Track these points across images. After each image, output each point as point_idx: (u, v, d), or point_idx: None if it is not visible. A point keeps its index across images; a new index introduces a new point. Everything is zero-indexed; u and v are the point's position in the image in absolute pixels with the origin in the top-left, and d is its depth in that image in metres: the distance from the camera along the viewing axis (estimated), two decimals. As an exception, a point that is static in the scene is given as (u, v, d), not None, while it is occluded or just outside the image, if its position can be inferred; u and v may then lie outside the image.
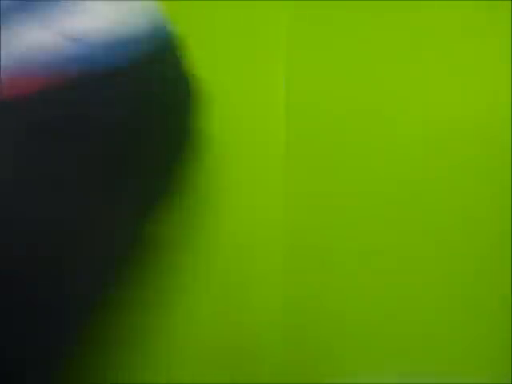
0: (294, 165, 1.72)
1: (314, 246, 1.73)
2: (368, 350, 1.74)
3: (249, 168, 1.72)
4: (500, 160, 1.73)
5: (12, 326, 1.10)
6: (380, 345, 1.74)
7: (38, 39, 1.09)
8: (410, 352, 1.75)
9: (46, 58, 1.09)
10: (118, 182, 1.18)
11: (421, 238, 1.73)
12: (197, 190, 1.70)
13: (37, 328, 1.13)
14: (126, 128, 1.17)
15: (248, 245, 1.72)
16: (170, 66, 1.33)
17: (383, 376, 1.74)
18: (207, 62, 1.67)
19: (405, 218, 1.73)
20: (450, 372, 1.75)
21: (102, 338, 1.68)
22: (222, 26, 1.69)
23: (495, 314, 1.75)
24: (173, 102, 1.31)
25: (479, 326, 1.75)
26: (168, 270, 1.70)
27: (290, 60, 1.71)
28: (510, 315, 1.74)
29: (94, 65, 1.12)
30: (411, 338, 1.74)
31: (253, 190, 1.72)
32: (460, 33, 1.71)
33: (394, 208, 1.73)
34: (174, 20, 1.67)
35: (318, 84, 1.71)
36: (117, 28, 1.17)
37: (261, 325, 1.73)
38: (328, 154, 1.72)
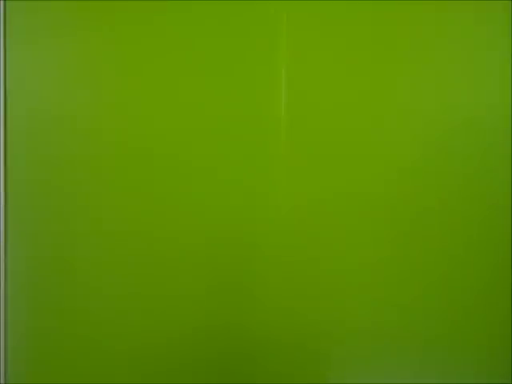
0: (294, 165, 1.72)
1: (312, 250, 1.73)
2: (368, 351, 1.74)
3: (249, 168, 1.72)
4: (500, 160, 1.73)
5: None
6: (381, 345, 1.74)
7: None
8: (411, 352, 1.75)
9: None
10: None
11: (418, 236, 1.74)
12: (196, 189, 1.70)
13: None
14: None
15: (250, 244, 1.72)
16: None
17: (383, 376, 1.74)
18: (208, 61, 1.68)
19: (403, 218, 1.73)
20: (450, 372, 1.75)
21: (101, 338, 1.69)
22: (223, 26, 1.69)
23: (495, 314, 1.75)
24: None
25: (479, 326, 1.75)
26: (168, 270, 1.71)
27: (290, 60, 1.71)
28: (510, 315, 1.74)
29: None
30: (412, 339, 1.74)
31: (253, 189, 1.72)
32: (460, 33, 1.71)
33: (393, 209, 1.73)
34: (175, 20, 1.67)
35: (317, 83, 1.71)
36: None
37: (261, 325, 1.73)
38: (327, 156, 1.72)
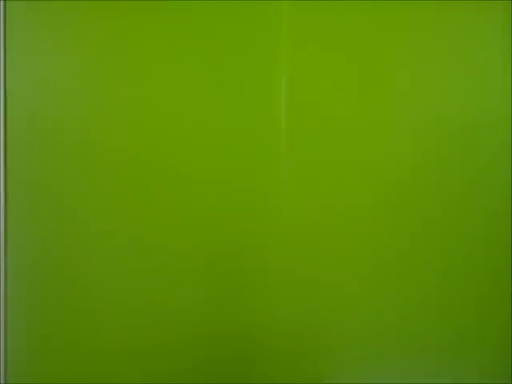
0: (295, 167, 1.72)
1: (313, 253, 1.73)
2: (370, 353, 1.74)
3: (249, 171, 1.72)
4: (500, 160, 1.73)
5: None
6: (381, 345, 1.74)
7: None
8: (411, 352, 1.75)
9: None
10: None
11: (418, 238, 1.74)
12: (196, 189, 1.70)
13: None
14: None
15: (250, 245, 1.72)
16: None
17: (383, 376, 1.74)
18: (210, 60, 1.68)
19: (404, 220, 1.73)
20: (450, 372, 1.75)
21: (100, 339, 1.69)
22: (223, 26, 1.70)
23: (495, 314, 1.75)
24: None
25: (479, 326, 1.75)
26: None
27: (290, 60, 1.71)
28: (510, 315, 1.75)
29: None
30: (412, 339, 1.74)
31: (253, 192, 1.72)
32: (460, 33, 1.71)
33: (393, 210, 1.73)
34: (175, 20, 1.68)
35: (317, 83, 1.71)
36: None
37: (261, 325, 1.73)
38: (328, 157, 1.72)
